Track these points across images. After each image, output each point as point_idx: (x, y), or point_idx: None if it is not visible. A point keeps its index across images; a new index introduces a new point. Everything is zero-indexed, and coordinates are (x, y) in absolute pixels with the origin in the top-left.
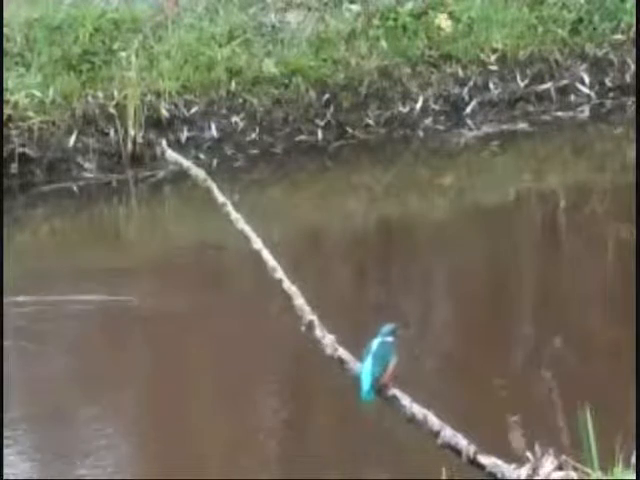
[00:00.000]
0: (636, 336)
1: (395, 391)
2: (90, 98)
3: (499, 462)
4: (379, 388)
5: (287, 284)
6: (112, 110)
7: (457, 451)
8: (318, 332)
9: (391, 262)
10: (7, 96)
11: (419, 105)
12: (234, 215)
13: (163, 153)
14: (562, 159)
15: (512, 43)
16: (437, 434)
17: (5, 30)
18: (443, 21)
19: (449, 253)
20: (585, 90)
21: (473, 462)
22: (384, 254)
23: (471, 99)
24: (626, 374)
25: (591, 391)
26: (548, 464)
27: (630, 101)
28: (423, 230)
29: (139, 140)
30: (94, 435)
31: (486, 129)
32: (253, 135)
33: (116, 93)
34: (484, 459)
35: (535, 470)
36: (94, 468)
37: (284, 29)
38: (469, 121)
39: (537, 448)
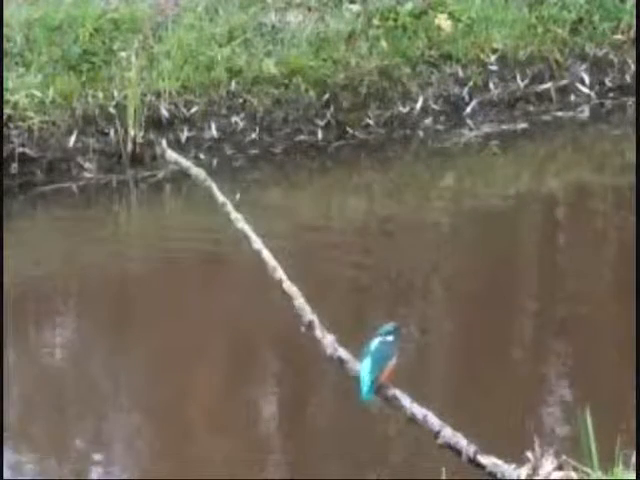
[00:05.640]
0: (636, 336)
1: (395, 391)
2: (90, 98)
3: (499, 462)
4: (378, 388)
5: (287, 284)
6: (112, 110)
7: (457, 451)
8: (318, 332)
9: (391, 262)
10: (7, 96)
11: (419, 105)
12: (234, 215)
13: (163, 153)
14: (562, 159)
15: (512, 43)
16: (437, 434)
17: (5, 30)
18: (443, 21)
19: (449, 253)
20: (585, 90)
21: (473, 462)
22: (384, 254)
23: (471, 99)
24: (626, 374)
25: (591, 391)
26: (548, 464)
27: (630, 101)
28: (423, 230)
29: (139, 140)
30: (94, 433)
31: (486, 129)
32: (253, 135)
33: (116, 93)
34: (484, 459)
35: (535, 470)
36: (94, 467)
37: (284, 29)
38: (469, 121)
39: (537, 448)
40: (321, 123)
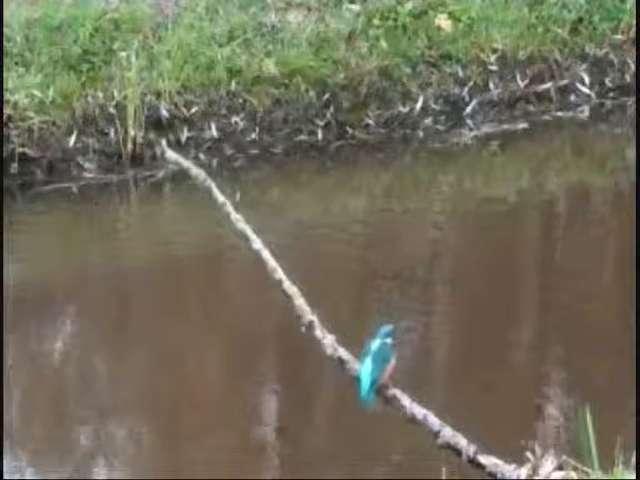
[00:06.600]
0: (636, 336)
1: (395, 391)
2: (90, 98)
3: (499, 462)
4: (379, 389)
5: (287, 284)
6: (112, 110)
7: (457, 451)
8: (318, 332)
9: (391, 262)
10: (7, 96)
11: (419, 105)
12: (234, 215)
13: (163, 153)
14: (562, 159)
15: (512, 43)
16: (437, 434)
17: (5, 30)
18: (443, 21)
19: (449, 252)
20: (585, 90)
21: (473, 462)
22: (384, 253)
23: (471, 99)
24: (626, 374)
25: (591, 391)
26: (548, 464)
27: (630, 101)
28: (423, 230)
29: (139, 140)
30: (94, 433)
31: (486, 129)
32: (253, 135)
33: (116, 93)
34: (484, 459)
35: (535, 470)
36: (94, 467)
37: (284, 29)
38: (469, 121)
39: (537, 448)
40: (321, 123)
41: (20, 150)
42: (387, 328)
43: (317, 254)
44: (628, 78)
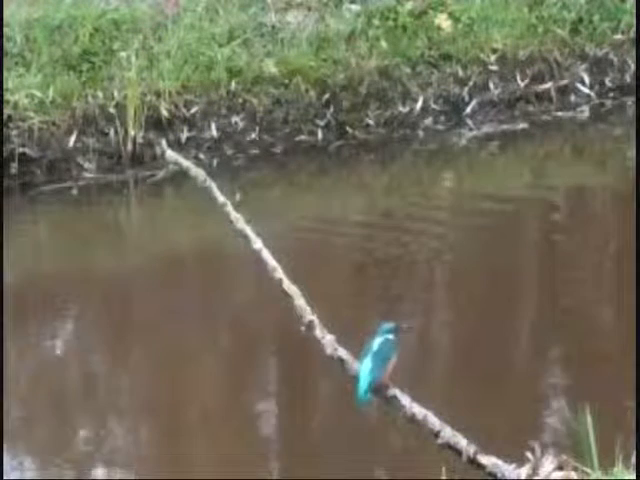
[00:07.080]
0: (636, 337)
1: (395, 391)
2: (90, 98)
3: (499, 462)
4: (379, 388)
5: (287, 284)
6: (112, 110)
7: (457, 451)
8: (318, 332)
9: (392, 262)
10: (7, 96)
11: (419, 105)
12: (234, 215)
13: (163, 153)
14: (562, 159)
15: (512, 43)
16: (437, 434)
17: (5, 30)
18: (443, 21)
19: (449, 254)
20: (585, 90)
21: (473, 462)
22: (384, 254)
23: (471, 99)
24: (626, 374)
25: (591, 391)
26: (548, 464)
27: (630, 101)
28: (423, 230)
29: (139, 140)
30: (95, 433)
31: (486, 129)
32: (253, 135)
33: (116, 93)
34: (484, 459)
35: (535, 470)
36: (94, 467)
37: (284, 29)
38: (469, 121)
39: (537, 448)
40: (321, 123)
41: (20, 150)
42: (388, 325)
43: (317, 254)
44: (628, 78)
